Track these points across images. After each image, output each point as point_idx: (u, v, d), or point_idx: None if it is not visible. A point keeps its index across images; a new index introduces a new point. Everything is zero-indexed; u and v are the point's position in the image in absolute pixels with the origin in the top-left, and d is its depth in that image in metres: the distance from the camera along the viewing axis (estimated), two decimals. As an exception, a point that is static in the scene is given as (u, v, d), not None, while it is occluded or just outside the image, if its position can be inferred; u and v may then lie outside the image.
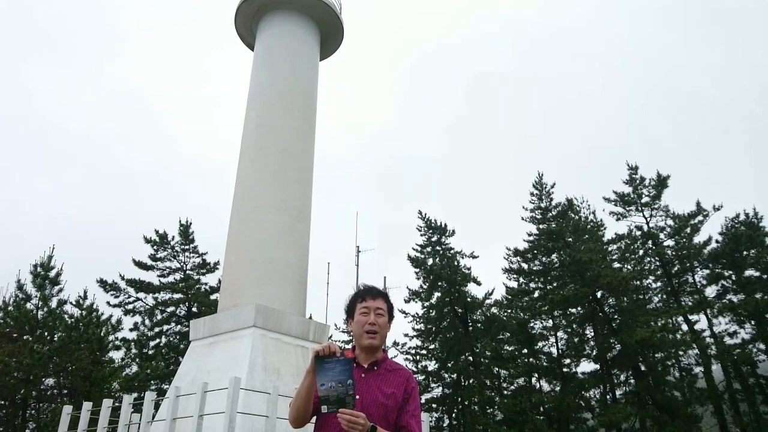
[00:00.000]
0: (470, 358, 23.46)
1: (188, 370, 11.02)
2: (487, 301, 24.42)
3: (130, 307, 22.45)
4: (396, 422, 2.38)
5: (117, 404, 10.49)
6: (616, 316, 21.21)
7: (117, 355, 21.39)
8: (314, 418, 2.44)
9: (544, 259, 23.85)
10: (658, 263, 23.31)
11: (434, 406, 23.92)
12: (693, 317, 21.97)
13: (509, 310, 23.94)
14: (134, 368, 20.65)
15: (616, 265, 22.88)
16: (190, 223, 24.12)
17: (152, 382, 19.60)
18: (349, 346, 2.70)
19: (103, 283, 21.98)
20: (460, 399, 23.52)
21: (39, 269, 19.51)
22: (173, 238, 23.69)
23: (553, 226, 23.12)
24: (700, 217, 23.08)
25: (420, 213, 26.07)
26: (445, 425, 24.70)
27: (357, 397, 2.34)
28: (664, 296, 23.55)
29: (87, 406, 10.28)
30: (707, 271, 23.00)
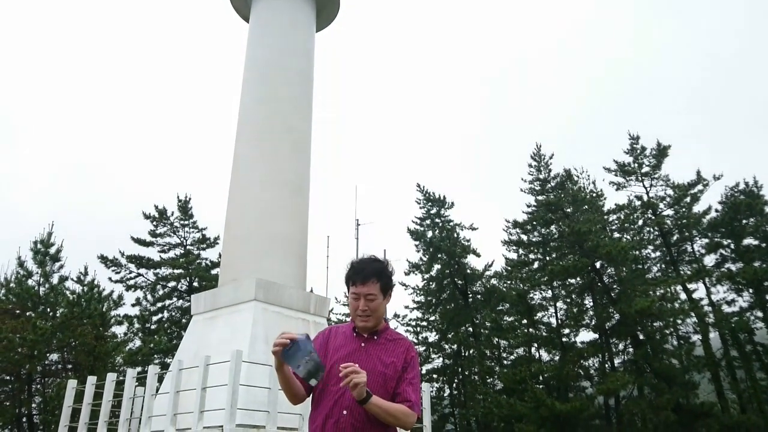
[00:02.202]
0: (470, 329, 23.66)
1: (190, 343, 11.09)
2: (487, 273, 24.56)
3: (131, 282, 22.54)
4: (394, 390, 2.40)
5: (121, 378, 10.59)
6: (615, 286, 21.32)
7: (120, 330, 21.56)
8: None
9: (543, 230, 23.88)
10: (657, 233, 23.35)
11: (435, 376, 24.21)
12: (691, 286, 22.09)
13: (509, 282, 24.05)
14: (137, 343, 20.82)
15: (616, 235, 22.94)
16: (189, 199, 24.08)
17: (155, 356, 19.78)
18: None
19: (104, 260, 22.03)
20: (460, 369, 23.79)
21: (39, 246, 19.52)
22: (172, 213, 23.68)
23: (552, 197, 23.09)
24: (700, 187, 23.05)
25: (419, 186, 26.04)
26: (445, 395, 25.04)
27: (356, 365, 2.38)
28: (663, 266, 23.65)
29: (92, 380, 10.37)
30: (706, 240, 23.05)
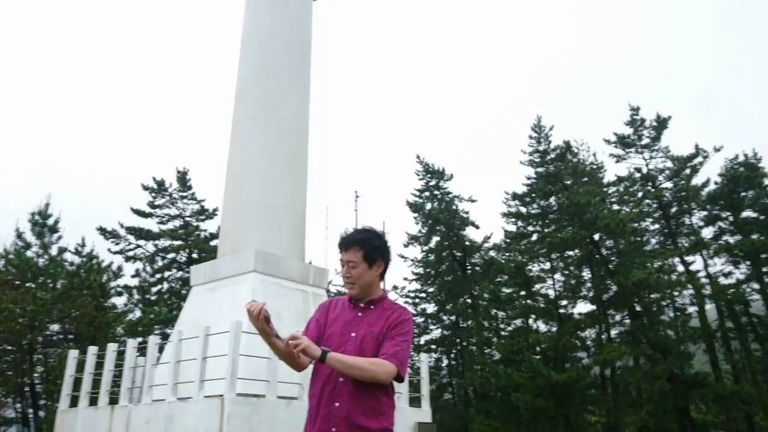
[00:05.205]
0: (468, 300, 23.83)
1: (190, 314, 11.14)
2: (486, 245, 24.62)
3: (130, 254, 22.59)
4: None
5: (122, 348, 10.68)
6: (613, 258, 21.40)
7: (120, 301, 21.68)
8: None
9: (542, 202, 23.86)
10: (656, 205, 23.34)
11: (433, 347, 24.48)
12: (689, 258, 22.19)
13: (507, 254, 24.13)
14: (137, 314, 20.93)
15: (615, 207, 22.92)
16: (187, 171, 24.00)
17: (155, 326, 19.91)
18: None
19: (102, 231, 22.03)
20: (458, 340, 24.04)
21: (37, 217, 19.50)
22: (171, 185, 23.61)
23: (552, 169, 23.01)
24: (699, 159, 22.96)
25: (418, 157, 25.94)
26: (444, 365, 25.34)
27: (353, 334, 2.43)
28: (661, 238, 23.71)
29: (93, 350, 10.46)
30: (705, 213, 23.07)
